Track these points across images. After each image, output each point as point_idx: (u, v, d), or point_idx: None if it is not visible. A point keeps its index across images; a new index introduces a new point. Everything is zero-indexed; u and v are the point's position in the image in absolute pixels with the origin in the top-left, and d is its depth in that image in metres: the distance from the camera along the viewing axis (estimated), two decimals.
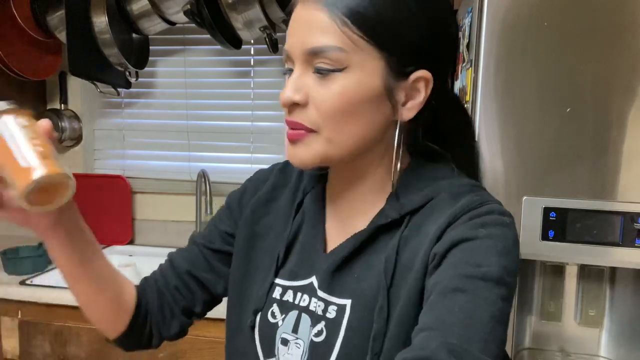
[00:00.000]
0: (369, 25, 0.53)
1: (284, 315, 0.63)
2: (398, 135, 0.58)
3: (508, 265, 0.52)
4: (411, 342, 0.50)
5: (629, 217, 0.96)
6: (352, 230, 0.62)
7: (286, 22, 1.70)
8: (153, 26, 1.80)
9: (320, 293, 0.61)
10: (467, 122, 0.68)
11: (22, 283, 1.57)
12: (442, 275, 0.52)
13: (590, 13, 0.95)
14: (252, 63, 1.94)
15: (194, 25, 1.72)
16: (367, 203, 0.62)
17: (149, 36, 1.91)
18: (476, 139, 0.72)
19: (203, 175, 1.85)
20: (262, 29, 1.64)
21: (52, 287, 1.55)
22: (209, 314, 1.42)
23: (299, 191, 0.69)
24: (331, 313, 0.59)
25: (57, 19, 1.83)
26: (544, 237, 0.99)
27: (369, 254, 0.60)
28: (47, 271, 1.68)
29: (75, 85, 2.06)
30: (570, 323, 1.14)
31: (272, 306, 0.64)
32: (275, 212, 0.70)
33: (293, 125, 0.57)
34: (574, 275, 1.13)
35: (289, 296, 0.64)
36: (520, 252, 0.86)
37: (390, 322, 0.56)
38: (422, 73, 0.56)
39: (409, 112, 0.58)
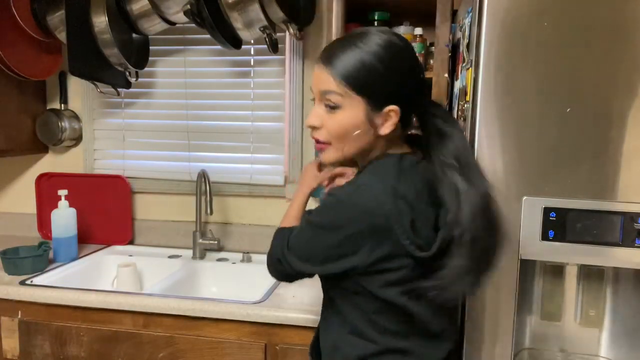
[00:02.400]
0: (355, 83, 0.89)
1: None
2: (386, 141, 0.96)
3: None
4: None
5: (629, 217, 0.96)
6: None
7: (287, 22, 1.69)
8: (153, 26, 1.80)
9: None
10: (433, 114, 0.96)
11: (22, 283, 1.57)
12: None
13: (591, 13, 0.95)
14: (252, 63, 1.94)
15: (194, 25, 1.72)
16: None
17: (149, 36, 1.91)
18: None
19: (203, 175, 1.85)
20: (262, 29, 1.64)
21: (52, 287, 1.55)
22: (209, 315, 1.42)
23: None
24: None
25: (57, 19, 1.82)
26: (544, 237, 0.99)
27: None
28: (47, 271, 1.68)
29: (75, 85, 2.06)
30: (570, 323, 1.14)
31: None
32: None
33: (315, 140, 0.96)
34: (574, 275, 1.13)
35: None
36: (520, 252, 0.88)
37: None
38: (392, 107, 0.91)
39: (386, 129, 0.93)
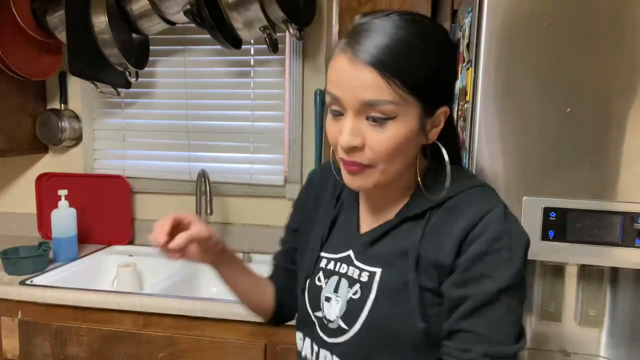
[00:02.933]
0: (413, 83, 0.67)
1: (326, 280, 0.82)
2: (444, 150, 0.76)
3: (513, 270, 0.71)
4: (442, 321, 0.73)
5: (629, 217, 0.96)
6: (381, 219, 0.81)
7: (287, 22, 1.66)
8: (153, 26, 1.80)
9: (356, 262, 0.80)
10: (454, 128, 0.85)
11: (22, 283, 1.57)
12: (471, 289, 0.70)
13: (591, 13, 0.95)
14: (252, 63, 1.94)
15: (194, 25, 1.72)
16: (393, 200, 0.81)
17: (149, 36, 1.91)
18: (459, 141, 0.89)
19: (203, 175, 1.85)
20: (262, 29, 1.64)
21: (52, 287, 1.55)
22: (210, 315, 1.42)
23: (338, 186, 0.89)
24: (364, 277, 0.78)
25: (57, 19, 1.83)
26: (544, 237, 0.99)
27: (394, 236, 0.78)
28: (47, 271, 1.68)
29: (75, 85, 2.06)
30: (570, 323, 1.14)
31: (318, 273, 0.84)
32: (322, 204, 0.91)
33: (353, 164, 0.72)
34: (574, 275, 1.13)
35: (331, 265, 0.83)
36: None
37: (423, 292, 0.74)
38: (444, 109, 0.74)
39: (433, 136, 0.75)
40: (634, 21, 0.93)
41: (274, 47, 1.73)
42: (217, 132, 1.99)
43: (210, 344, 1.44)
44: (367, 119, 0.69)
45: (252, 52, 1.93)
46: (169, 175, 2.03)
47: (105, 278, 1.88)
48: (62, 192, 1.81)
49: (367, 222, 0.83)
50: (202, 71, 1.98)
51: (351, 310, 0.77)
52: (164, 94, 2.02)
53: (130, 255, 1.95)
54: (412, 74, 0.67)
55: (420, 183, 0.77)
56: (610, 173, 0.96)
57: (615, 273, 1.11)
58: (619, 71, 0.95)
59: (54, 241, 1.79)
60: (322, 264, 0.84)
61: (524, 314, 1.13)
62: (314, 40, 1.86)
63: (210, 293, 1.84)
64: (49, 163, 2.14)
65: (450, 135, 0.81)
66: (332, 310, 0.80)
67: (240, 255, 1.89)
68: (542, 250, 1.00)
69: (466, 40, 1.13)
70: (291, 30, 1.64)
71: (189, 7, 1.65)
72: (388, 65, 0.66)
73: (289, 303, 0.96)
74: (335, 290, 0.80)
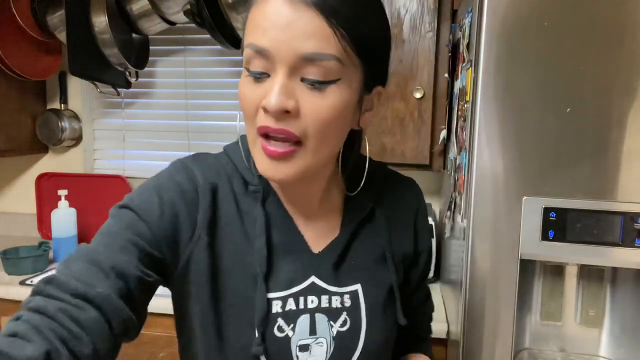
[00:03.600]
0: (361, 38, 0.54)
1: (292, 325, 0.63)
2: (364, 140, 0.69)
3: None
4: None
5: (629, 217, 0.96)
6: (324, 227, 0.68)
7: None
8: (153, 26, 1.80)
9: (329, 288, 0.65)
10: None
11: (22, 283, 1.57)
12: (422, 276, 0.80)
13: (591, 13, 0.94)
14: None
15: (194, 25, 1.72)
16: (325, 200, 0.69)
17: (149, 36, 1.91)
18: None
19: None
20: None
21: None
22: None
23: (240, 196, 0.64)
24: (347, 302, 0.66)
25: (57, 19, 1.83)
26: (544, 237, 0.99)
27: (356, 244, 0.69)
28: (47, 271, 1.68)
29: (75, 85, 2.06)
30: (570, 323, 1.14)
31: (276, 322, 0.62)
32: (226, 225, 0.63)
33: (281, 132, 0.54)
34: (574, 275, 1.13)
35: (291, 305, 0.63)
36: (520, 252, 0.89)
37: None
38: (380, 88, 0.62)
39: (366, 120, 0.63)
40: (633, 21, 0.93)
41: None
42: (217, 132, 1.99)
43: None
44: (303, 80, 0.54)
45: None
46: None
47: None
48: (62, 192, 1.81)
49: (314, 237, 0.67)
50: (202, 71, 1.98)
51: (343, 346, 0.65)
52: (164, 94, 2.02)
53: None
54: (363, 30, 0.54)
55: (341, 177, 0.71)
56: (610, 173, 0.96)
57: (615, 273, 1.11)
58: (619, 71, 0.94)
59: (54, 241, 1.79)
60: (276, 308, 0.63)
61: (524, 314, 1.13)
62: None
63: None
64: (49, 163, 2.14)
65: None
66: (315, 358, 0.63)
67: None
68: (542, 250, 1.00)
69: (466, 40, 1.13)
70: None
71: (189, 7, 1.65)
72: (338, 11, 0.52)
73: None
74: (312, 332, 0.63)
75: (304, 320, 0.63)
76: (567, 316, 1.14)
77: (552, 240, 0.99)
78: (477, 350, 1.05)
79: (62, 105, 2.07)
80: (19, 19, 1.77)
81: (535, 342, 1.15)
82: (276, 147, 0.55)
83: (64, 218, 1.79)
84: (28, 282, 1.58)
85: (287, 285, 0.63)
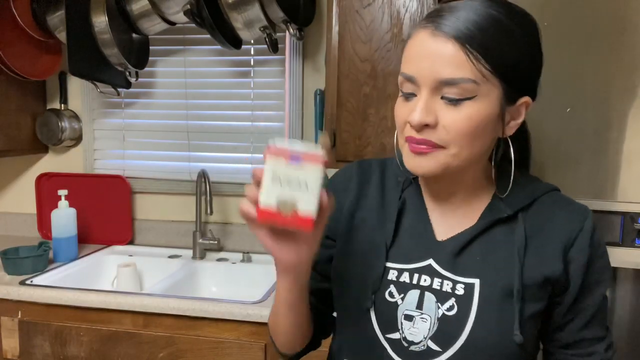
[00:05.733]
0: (497, 60, 0.63)
1: (402, 295, 0.71)
2: (512, 148, 0.70)
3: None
4: (558, 333, 0.73)
5: (629, 217, 0.96)
6: (459, 221, 0.73)
7: (287, 22, 1.65)
8: (153, 26, 1.80)
9: (444, 273, 0.70)
10: (526, 130, 0.80)
11: (22, 283, 1.57)
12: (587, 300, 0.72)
13: (591, 13, 0.95)
14: (252, 63, 1.94)
15: (194, 25, 1.72)
16: (468, 199, 0.74)
17: (149, 36, 1.91)
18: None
19: (203, 175, 1.85)
20: (262, 29, 1.64)
21: (52, 287, 1.55)
22: (209, 315, 1.42)
23: (388, 185, 0.79)
24: (459, 290, 0.69)
25: (57, 19, 1.83)
26: None
27: (486, 242, 0.71)
28: (47, 271, 1.68)
29: (75, 85, 2.06)
30: None
31: (388, 287, 0.72)
32: (366, 206, 0.78)
33: (422, 142, 0.65)
34: None
35: (405, 277, 0.72)
36: None
37: (524, 302, 0.68)
38: (525, 99, 0.68)
39: (511, 129, 0.69)
40: (634, 21, 0.93)
41: (274, 47, 1.73)
42: (217, 132, 1.99)
43: (210, 343, 1.44)
44: (442, 98, 0.64)
45: (252, 52, 1.93)
46: (169, 175, 2.03)
47: (105, 278, 1.88)
48: (62, 192, 1.81)
49: (443, 227, 0.74)
50: (202, 71, 1.98)
51: (446, 330, 0.68)
52: (164, 94, 2.02)
53: (130, 255, 1.95)
54: (497, 52, 0.62)
55: (494, 181, 0.74)
56: (610, 173, 0.96)
57: (615, 273, 1.11)
58: (619, 71, 0.95)
59: (54, 241, 1.79)
60: (392, 276, 0.72)
61: None
62: (314, 40, 1.86)
63: (210, 293, 1.84)
64: (49, 163, 2.14)
65: (523, 136, 0.78)
66: (417, 330, 0.69)
67: (240, 256, 1.89)
68: None
69: None
70: (291, 30, 1.64)
71: (189, 7, 1.65)
72: (473, 38, 0.61)
73: (318, 335, 0.84)
74: (419, 307, 0.70)
75: (413, 294, 0.71)
76: None
77: None
78: None
79: (62, 105, 2.07)
80: (19, 19, 1.77)
81: None
82: (418, 145, 0.65)
83: (64, 218, 1.79)
84: (28, 282, 1.59)
85: (406, 260, 0.73)
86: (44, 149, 2.12)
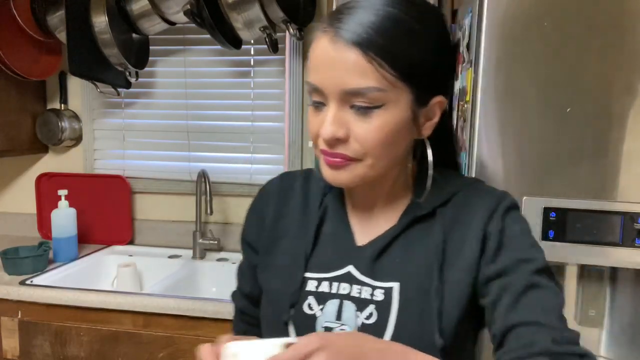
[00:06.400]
0: (401, 64, 0.60)
1: (321, 306, 0.69)
2: (429, 149, 0.68)
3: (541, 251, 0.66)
4: (486, 325, 0.66)
5: (629, 217, 0.96)
6: (378, 224, 0.72)
7: (287, 22, 1.65)
8: (153, 26, 1.80)
9: (363, 279, 0.68)
10: (448, 127, 0.77)
11: (22, 283, 1.57)
12: (509, 276, 0.64)
13: (591, 13, 0.94)
14: (252, 63, 1.94)
15: (194, 25, 1.72)
16: (388, 202, 0.73)
17: (149, 36, 1.91)
18: (453, 141, 0.81)
19: (203, 175, 1.85)
20: (262, 29, 1.64)
21: (52, 287, 1.55)
22: (209, 315, 1.42)
23: (311, 193, 0.77)
24: (378, 296, 0.67)
25: (57, 19, 1.83)
26: (544, 237, 0.99)
27: (405, 243, 0.69)
28: (47, 271, 1.68)
29: (75, 85, 2.06)
30: (570, 323, 1.13)
31: (307, 299, 0.69)
32: (288, 215, 0.77)
33: (335, 156, 0.63)
34: (574, 275, 1.13)
35: (324, 287, 0.70)
36: None
37: (444, 301, 0.65)
38: (439, 98, 0.66)
39: (427, 130, 0.67)
40: (634, 21, 0.93)
41: (274, 47, 1.73)
42: (217, 132, 1.99)
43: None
44: (352, 107, 0.62)
45: (252, 52, 1.92)
46: (169, 175, 2.03)
47: (105, 278, 1.87)
48: (62, 192, 1.81)
49: (363, 232, 0.73)
50: (202, 71, 1.98)
51: None
52: (164, 94, 2.02)
53: (130, 255, 1.95)
54: (402, 55, 0.60)
55: (414, 182, 0.72)
56: (610, 173, 0.96)
57: (615, 273, 1.11)
58: (619, 71, 0.94)
59: (54, 241, 1.79)
60: (311, 286, 0.70)
61: None
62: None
63: (210, 293, 1.84)
64: (49, 163, 2.14)
65: (444, 134, 0.73)
66: None
67: (240, 256, 1.88)
68: None
69: (466, 40, 1.13)
70: (291, 30, 1.64)
71: (189, 7, 1.65)
72: (374, 44, 0.58)
73: None
74: (339, 317, 0.67)
75: (332, 304, 0.68)
76: (567, 316, 1.13)
77: (552, 240, 0.99)
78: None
79: (62, 105, 2.07)
80: (19, 19, 1.77)
81: None
82: (335, 159, 0.64)
83: (64, 218, 1.79)
84: (28, 282, 1.59)
85: (325, 269, 0.71)
86: (44, 149, 2.12)
